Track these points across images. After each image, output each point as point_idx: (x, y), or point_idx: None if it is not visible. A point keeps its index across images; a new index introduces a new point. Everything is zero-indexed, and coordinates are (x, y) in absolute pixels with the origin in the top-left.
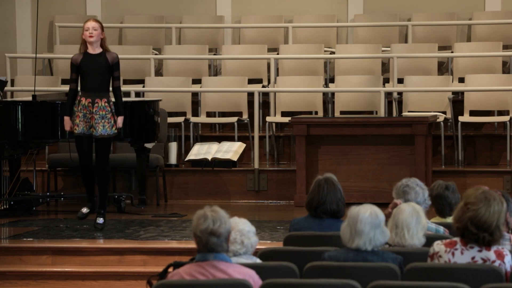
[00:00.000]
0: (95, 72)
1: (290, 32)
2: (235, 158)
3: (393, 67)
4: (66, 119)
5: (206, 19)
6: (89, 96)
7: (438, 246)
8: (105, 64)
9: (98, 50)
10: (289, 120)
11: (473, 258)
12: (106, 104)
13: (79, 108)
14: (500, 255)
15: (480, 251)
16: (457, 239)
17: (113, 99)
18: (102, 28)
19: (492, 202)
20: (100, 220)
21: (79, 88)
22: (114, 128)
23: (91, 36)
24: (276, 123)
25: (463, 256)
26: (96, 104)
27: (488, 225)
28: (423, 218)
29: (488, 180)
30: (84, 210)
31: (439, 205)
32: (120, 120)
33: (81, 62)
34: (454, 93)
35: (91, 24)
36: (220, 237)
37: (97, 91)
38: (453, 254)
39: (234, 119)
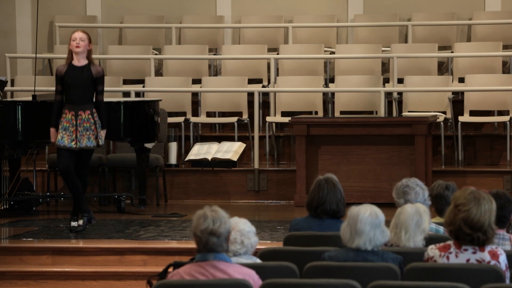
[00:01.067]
0: (79, 84)
1: (290, 32)
2: (235, 158)
3: (393, 67)
4: (52, 130)
5: (206, 19)
6: (72, 109)
7: (432, 251)
8: (89, 77)
9: (84, 62)
10: (289, 120)
11: (468, 260)
12: (90, 116)
13: (61, 120)
14: (494, 255)
15: (474, 252)
16: (450, 242)
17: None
18: (89, 40)
19: (482, 201)
20: (75, 223)
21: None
22: (96, 141)
23: (77, 47)
24: (276, 123)
25: (458, 259)
26: (79, 117)
27: (481, 225)
28: (426, 221)
29: (488, 180)
30: (80, 222)
31: (439, 205)
32: (102, 133)
33: (65, 74)
34: (454, 93)
35: (78, 35)
36: (220, 237)
37: (80, 104)
38: (447, 258)
39: (234, 119)
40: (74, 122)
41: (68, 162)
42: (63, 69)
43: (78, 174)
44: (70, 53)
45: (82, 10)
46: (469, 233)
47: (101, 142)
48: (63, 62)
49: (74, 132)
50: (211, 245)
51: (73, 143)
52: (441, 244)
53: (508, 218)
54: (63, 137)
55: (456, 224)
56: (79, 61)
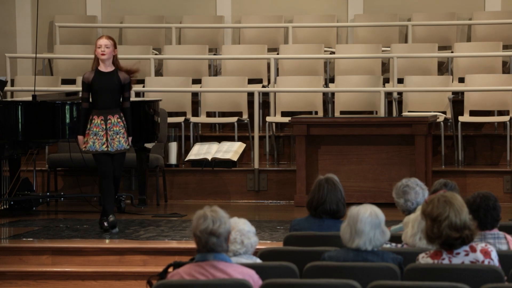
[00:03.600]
0: (107, 90)
1: (290, 32)
2: (235, 158)
3: (393, 67)
4: (80, 138)
5: (206, 19)
6: (101, 114)
7: (424, 259)
8: (118, 82)
9: (110, 68)
10: (289, 120)
11: (462, 263)
12: (119, 120)
13: (90, 126)
14: (487, 253)
15: (467, 254)
16: (441, 249)
17: None
18: (115, 45)
19: (452, 201)
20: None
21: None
22: (127, 144)
23: (103, 54)
24: (276, 123)
25: (453, 263)
26: (109, 121)
27: (463, 222)
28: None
29: (488, 180)
30: (111, 218)
31: None
32: (129, 141)
33: (93, 80)
34: (454, 93)
35: (103, 42)
36: (220, 237)
37: (109, 108)
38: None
39: (234, 119)
40: (104, 127)
41: (109, 165)
42: (90, 75)
43: (114, 175)
44: (96, 59)
45: (82, 10)
46: (458, 236)
47: (128, 146)
48: (63, 62)
49: (105, 136)
50: (210, 245)
51: (104, 146)
52: (432, 251)
53: (499, 217)
54: (94, 142)
55: (443, 235)
56: (106, 67)
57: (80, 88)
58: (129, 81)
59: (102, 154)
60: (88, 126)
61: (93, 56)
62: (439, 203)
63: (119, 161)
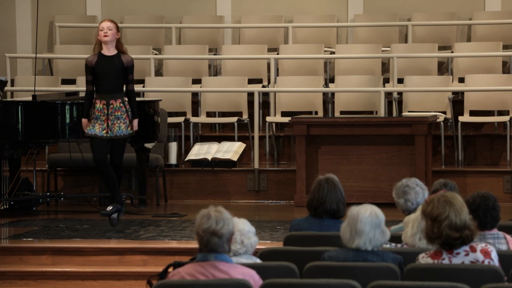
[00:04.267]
0: (110, 74)
1: (290, 32)
2: (235, 158)
3: (393, 67)
4: (84, 121)
5: (206, 19)
6: (103, 98)
7: (424, 259)
8: (120, 66)
9: (113, 51)
10: (289, 120)
11: (462, 263)
12: (121, 104)
13: (93, 110)
14: (487, 253)
15: (467, 254)
16: (441, 249)
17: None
18: (117, 28)
19: (453, 201)
20: (110, 207)
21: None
22: (129, 129)
23: (105, 36)
24: (276, 123)
25: (453, 263)
26: (111, 106)
27: (464, 222)
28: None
29: (488, 180)
30: (111, 207)
31: None
32: (135, 122)
33: (96, 63)
34: (454, 93)
35: (106, 24)
36: (222, 237)
37: (112, 93)
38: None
39: (234, 119)
40: (106, 111)
41: (103, 152)
42: (93, 59)
43: (113, 163)
44: (99, 43)
45: (82, 10)
46: (458, 236)
47: (133, 130)
48: (63, 62)
49: (106, 121)
50: (212, 245)
51: (104, 132)
52: (432, 251)
53: (499, 217)
54: (94, 126)
55: (443, 235)
56: (109, 50)
57: (80, 88)
58: (132, 64)
59: (99, 140)
60: (92, 110)
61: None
62: (439, 203)
63: (118, 147)
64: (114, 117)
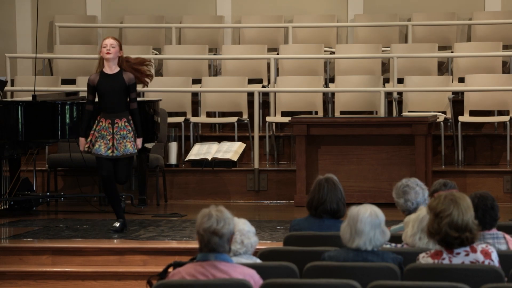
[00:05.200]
0: (113, 92)
1: (290, 32)
2: (235, 158)
3: (393, 67)
4: (82, 140)
5: (206, 19)
6: (108, 117)
7: (424, 259)
8: (122, 84)
9: (115, 69)
10: (289, 120)
11: (462, 263)
12: (126, 123)
13: (97, 128)
14: (487, 254)
15: (467, 255)
16: (441, 248)
17: None
18: (120, 46)
19: (460, 202)
20: (117, 224)
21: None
22: (134, 148)
23: (108, 53)
24: (276, 123)
25: (453, 263)
26: (116, 125)
27: (466, 224)
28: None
29: (488, 180)
30: (117, 224)
31: None
32: (139, 142)
33: (98, 83)
34: (454, 93)
35: (109, 41)
36: (222, 237)
37: (116, 112)
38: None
39: (234, 119)
40: (111, 130)
41: (110, 169)
42: (95, 78)
43: (119, 182)
44: (102, 60)
45: (82, 10)
46: (457, 236)
47: (137, 149)
48: (63, 62)
49: (111, 140)
50: (212, 245)
51: (110, 151)
52: (433, 251)
53: (498, 217)
54: (100, 146)
55: (442, 231)
56: (111, 68)
57: (80, 88)
58: (134, 82)
59: (105, 159)
60: (95, 128)
61: (94, 56)
62: (445, 200)
63: (123, 165)
64: (120, 136)
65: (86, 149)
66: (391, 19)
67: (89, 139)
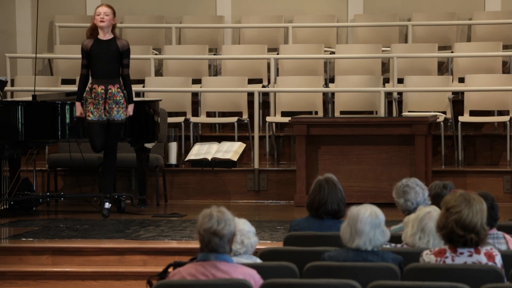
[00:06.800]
0: (106, 58)
1: (290, 32)
2: (235, 158)
3: (393, 67)
4: (78, 104)
5: (206, 19)
6: (101, 83)
7: (427, 256)
8: (116, 50)
9: (109, 36)
10: (289, 120)
11: (464, 263)
12: (119, 90)
13: (93, 95)
14: (490, 257)
15: (470, 255)
16: (445, 247)
17: None
18: (114, 14)
19: (473, 202)
20: (107, 205)
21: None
22: (125, 115)
23: (102, 21)
24: (276, 123)
25: (454, 263)
26: (109, 91)
27: (473, 225)
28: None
29: (488, 180)
30: (106, 205)
31: (437, 204)
32: (130, 108)
33: (92, 48)
34: (454, 93)
35: (102, 9)
36: (223, 238)
37: (109, 78)
38: (444, 262)
39: (234, 119)
40: (104, 96)
41: (102, 139)
42: (88, 43)
43: (108, 144)
44: (95, 28)
45: (82, 10)
46: (462, 235)
47: (127, 115)
48: (63, 62)
49: (103, 104)
50: (213, 245)
51: (103, 115)
52: (436, 249)
53: (498, 217)
54: (93, 112)
55: (448, 227)
56: (105, 35)
57: None
58: (128, 48)
59: (97, 126)
60: (90, 95)
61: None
62: (460, 197)
63: (114, 131)
64: (113, 102)
65: (80, 115)
66: (391, 19)
67: (87, 107)
